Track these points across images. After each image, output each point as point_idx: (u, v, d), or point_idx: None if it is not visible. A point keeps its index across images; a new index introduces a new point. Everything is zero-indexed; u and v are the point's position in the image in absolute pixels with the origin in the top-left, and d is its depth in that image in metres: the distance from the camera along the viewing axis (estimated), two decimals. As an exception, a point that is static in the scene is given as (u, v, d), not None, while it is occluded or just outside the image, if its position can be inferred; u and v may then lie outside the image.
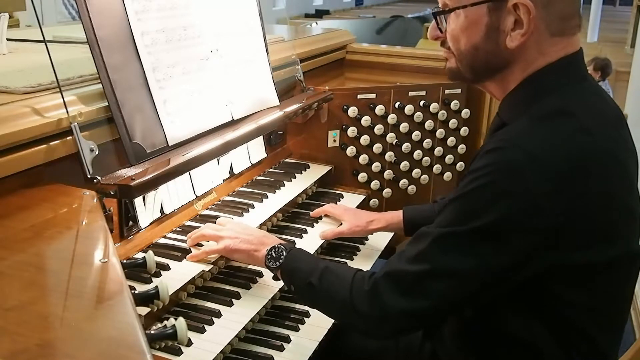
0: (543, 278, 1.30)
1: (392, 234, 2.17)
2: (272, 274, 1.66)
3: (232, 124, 1.94)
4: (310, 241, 1.99)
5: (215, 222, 1.79)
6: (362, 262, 2.03)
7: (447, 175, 2.67)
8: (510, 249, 1.27)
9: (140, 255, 1.60)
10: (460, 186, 1.33)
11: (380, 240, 2.15)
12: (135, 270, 1.52)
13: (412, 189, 2.61)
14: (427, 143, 2.58)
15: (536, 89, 1.36)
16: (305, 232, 2.04)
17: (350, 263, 2.01)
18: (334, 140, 2.46)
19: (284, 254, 1.59)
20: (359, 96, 2.46)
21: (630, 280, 1.41)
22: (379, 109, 2.46)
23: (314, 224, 2.09)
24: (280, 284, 1.73)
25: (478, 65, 1.41)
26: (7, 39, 2.09)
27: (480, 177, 1.27)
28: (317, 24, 9.78)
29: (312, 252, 1.94)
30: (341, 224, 2.06)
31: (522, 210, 1.24)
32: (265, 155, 2.30)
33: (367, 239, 2.15)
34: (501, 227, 1.26)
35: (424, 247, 1.34)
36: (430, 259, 1.32)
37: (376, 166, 2.51)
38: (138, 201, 1.67)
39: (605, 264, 1.30)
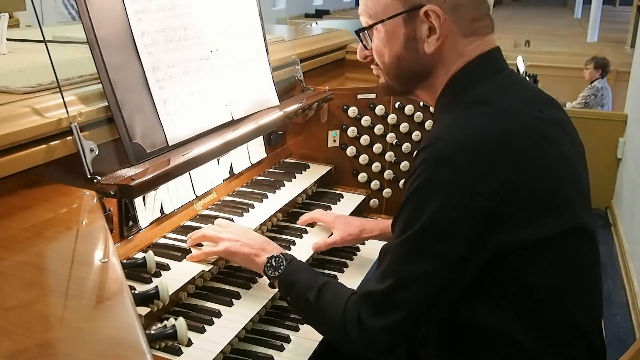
0: (501, 263, 1.33)
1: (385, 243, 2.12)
2: (269, 281, 1.66)
3: (232, 124, 1.94)
4: (310, 242, 1.99)
5: (215, 224, 1.79)
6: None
7: (447, 175, 2.66)
8: (461, 237, 1.30)
9: (140, 255, 1.60)
10: (405, 192, 1.38)
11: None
12: (135, 270, 1.52)
13: (412, 189, 2.60)
14: (427, 143, 2.58)
15: (459, 87, 1.43)
16: (305, 231, 2.04)
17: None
18: (334, 140, 2.47)
19: (284, 264, 1.59)
20: (359, 96, 2.46)
21: (588, 255, 1.44)
22: (379, 109, 2.46)
23: (314, 225, 2.09)
24: (280, 284, 1.74)
25: (403, 75, 1.49)
26: (7, 39, 2.09)
27: (417, 178, 1.33)
28: (317, 24, 9.78)
29: (311, 253, 1.94)
30: (332, 233, 2.00)
31: (459, 198, 1.29)
32: (265, 155, 2.30)
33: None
34: (445, 218, 1.30)
35: (387, 263, 1.38)
36: (394, 272, 1.36)
37: (376, 166, 2.51)
38: (138, 201, 1.67)
39: (556, 238, 1.34)
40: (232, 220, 1.86)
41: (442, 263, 1.32)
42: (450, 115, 1.40)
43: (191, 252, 1.68)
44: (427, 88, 1.50)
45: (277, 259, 1.61)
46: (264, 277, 1.73)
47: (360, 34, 1.52)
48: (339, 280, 1.87)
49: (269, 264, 1.61)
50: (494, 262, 1.32)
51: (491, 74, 1.44)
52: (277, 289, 1.69)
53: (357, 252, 2.08)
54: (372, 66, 1.56)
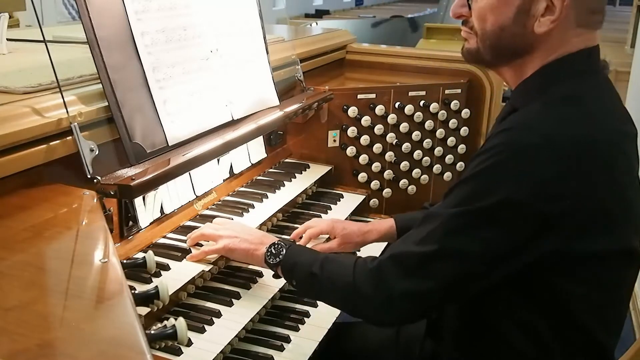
0: (542, 267, 1.31)
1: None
2: (273, 272, 1.66)
3: (232, 124, 1.94)
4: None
5: (214, 222, 1.78)
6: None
7: (447, 175, 2.67)
8: (514, 233, 1.27)
9: (140, 255, 1.60)
10: (471, 166, 1.33)
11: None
12: (135, 270, 1.52)
13: (412, 189, 2.61)
14: (427, 143, 2.58)
15: (552, 76, 1.37)
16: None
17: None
18: (334, 140, 2.46)
19: (284, 250, 1.59)
20: (359, 96, 2.46)
21: (626, 278, 1.42)
22: (379, 109, 2.46)
23: (314, 224, 2.08)
24: (281, 283, 1.74)
25: (501, 47, 1.40)
26: (7, 39, 2.09)
27: (492, 157, 1.28)
28: (317, 24, 9.77)
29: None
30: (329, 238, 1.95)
31: (530, 192, 1.24)
32: (265, 155, 2.30)
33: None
34: (509, 208, 1.26)
35: (432, 229, 1.33)
36: (437, 240, 1.32)
37: (376, 166, 2.51)
38: (138, 201, 1.67)
39: (601, 256, 1.31)
40: (232, 220, 1.86)
41: (487, 250, 1.29)
42: (540, 105, 1.33)
43: (191, 252, 1.68)
44: (517, 67, 1.42)
45: (276, 246, 1.60)
46: (264, 277, 1.74)
47: None
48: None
49: (268, 253, 1.60)
50: (533, 264, 1.30)
51: (588, 72, 1.38)
52: (279, 284, 1.69)
53: (358, 252, 2.08)
54: (463, 27, 1.46)
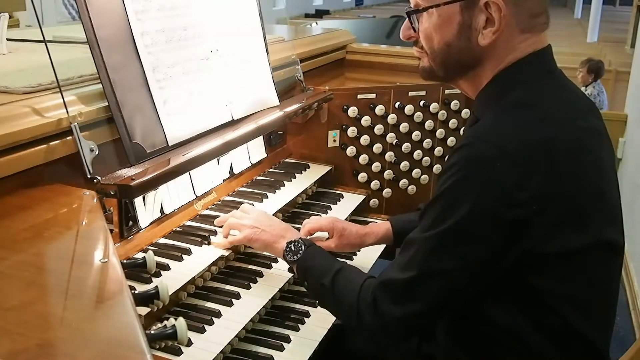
0: (521, 268, 1.32)
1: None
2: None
3: (232, 124, 1.94)
4: (310, 241, 1.99)
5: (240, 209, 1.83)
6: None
7: (447, 175, 2.66)
8: (488, 241, 1.30)
9: (140, 255, 1.60)
10: (437, 186, 1.38)
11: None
12: (135, 270, 1.52)
13: (412, 189, 2.61)
14: (427, 143, 2.58)
15: (505, 84, 1.40)
16: (305, 232, 2.03)
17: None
18: (334, 140, 2.46)
19: (303, 249, 1.62)
20: (359, 96, 2.46)
21: (609, 272, 1.43)
22: (379, 109, 2.46)
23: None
24: (281, 284, 1.74)
25: (451, 62, 1.44)
26: (7, 39, 2.09)
27: (452, 175, 1.32)
28: (317, 24, 9.78)
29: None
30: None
31: (494, 203, 1.27)
32: (265, 155, 2.30)
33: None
34: (475, 223, 1.29)
35: (411, 255, 1.38)
36: (417, 264, 1.36)
37: (376, 166, 2.51)
38: (138, 201, 1.67)
39: (577, 252, 1.33)
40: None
41: (465, 264, 1.32)
42: (493, 115, 1.37)
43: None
44: (471, 79, 1.46)
45: (296, 243, 1.64)
46: (264, 277, 1.75)
47: (411, 15, 1.45)
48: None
49: (288, 249, 1.64)
50: (512, 267, 1.32)
51: (540, 74, 1.40)
52: (279, 284, 1.71)
53: (357, 252, 2.08)
54: (415, 48, 1.52)
